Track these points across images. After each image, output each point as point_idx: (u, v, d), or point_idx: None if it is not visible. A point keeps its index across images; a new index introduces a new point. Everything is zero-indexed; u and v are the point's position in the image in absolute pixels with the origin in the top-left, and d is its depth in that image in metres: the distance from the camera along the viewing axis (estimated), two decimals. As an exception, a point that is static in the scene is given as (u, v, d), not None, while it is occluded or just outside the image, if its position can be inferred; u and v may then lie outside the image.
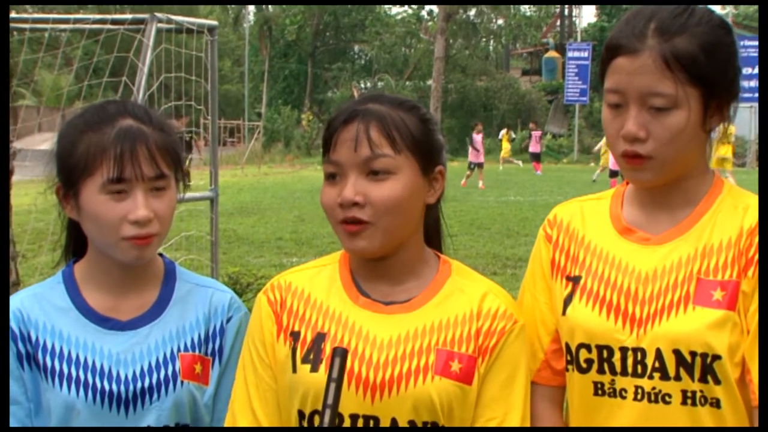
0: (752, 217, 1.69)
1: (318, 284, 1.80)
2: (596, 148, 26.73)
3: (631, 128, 1.64)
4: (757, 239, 1.65)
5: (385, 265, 1.75)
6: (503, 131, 31.72)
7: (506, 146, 31.69)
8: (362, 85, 47.91)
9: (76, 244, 1.91)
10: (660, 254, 1.71)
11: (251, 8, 49.50)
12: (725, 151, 18.26)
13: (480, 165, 23.49)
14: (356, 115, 1.69)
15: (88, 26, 6.03)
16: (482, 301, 1.75)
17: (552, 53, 45.88)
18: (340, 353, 1.57)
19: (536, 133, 31.44)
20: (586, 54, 37.96)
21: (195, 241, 7.27)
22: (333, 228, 1.73)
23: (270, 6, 49.23)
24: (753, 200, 1.73)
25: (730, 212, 1.71)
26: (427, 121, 1.75)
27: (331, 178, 1.71)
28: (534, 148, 31.20)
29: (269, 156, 37.87)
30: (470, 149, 24.04)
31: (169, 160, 1.79)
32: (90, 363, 1.80)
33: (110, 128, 1.76)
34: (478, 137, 24.34)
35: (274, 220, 15.24)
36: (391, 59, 48.56)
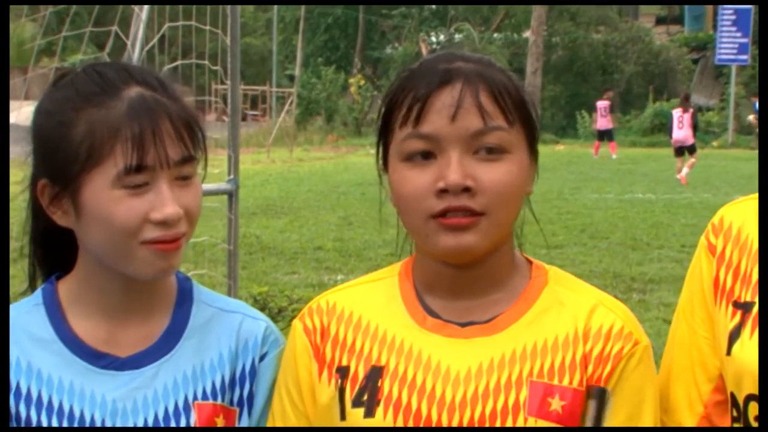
0: None
1: (371, 304, 1.85)
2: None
3: None
4: None
5: (472, 274, 1.79)
6: None
7: None
8: (433, 39, 47.89)
9: (53, 257, 1.95)
10: None
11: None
12: None
13: (690, 149, 23.23)
14: (455, 75, 1.73)
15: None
16: (590, 316, 1.78)
17: (698, -6, 45.36)
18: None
19: (602, 104, 31.07)
20: (746, -6, 37.43)
21: (205, 251, 7.34)
22: (415, 226, 1.75)
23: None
24: None
25: None
26: (521, 86, 1.81)
27: (419, 157, 1.73)
28: (601, 123, 30.89)
29: (305, 135, 38.05)
30: (676, 126, 23.75)
31: (194, 140, 1.83)
32: (77, 413, 1.83)
33: (117, 101, 1.78)
34: (684, 115, 24.01)
35: (311, 224, 15.34)
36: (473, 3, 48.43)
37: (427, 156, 1.72)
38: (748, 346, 1.75)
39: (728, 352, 1.78)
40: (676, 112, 24.12)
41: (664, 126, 37.76)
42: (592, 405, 1.75)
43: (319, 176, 23.94)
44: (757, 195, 1.89)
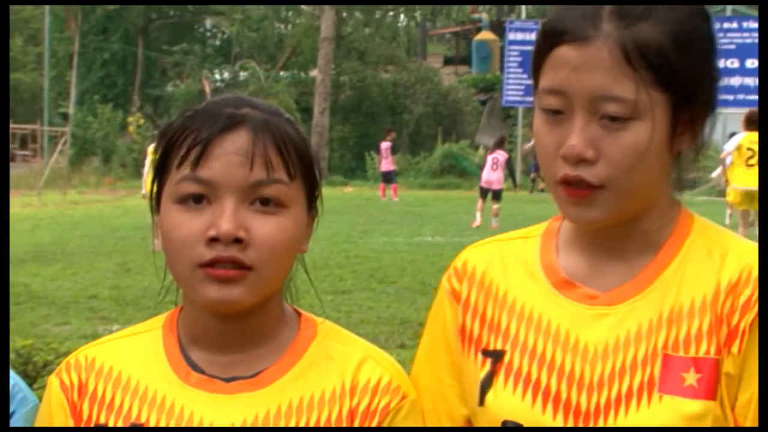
0: (732, 268, 1.71)
1: (132, 359, 1.83)
2: (715, 174, 25.78)
3: (577, 144, 1.67)
4: (742, 300, 1.69)
5: (238, 327, 1.79)
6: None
7: None
8: (217, 76, 47.78)
9: None
10: (612, 320, 1.75)
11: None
12: (752, 179, 15.41)
13: (496, 194, 23.41)
14: (241, 122, 1.73)
15: None
16: (358, 370, 1.80)
17: (485, 35, 46.78)
18: None
19: (385, 145, 31.55)
20: (533, 36, 38.67)
21: (-34, 302, 7.07)
22: (181, 274, 1.74)
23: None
24: (733, 242, 1.76)
25: (703, 260, 1.74)
26: (306, 140, 1.82)
27: (192, 201, 1.72)
28: (384, 165, 31.36)
29: (80, 177, 37.34)
30: (489, 167, 24.01)
31: None
32: None
33: None
34: (499, 158, 24.23)
35: (85, 271, 15.03)
36: (258, 39, 48.61)
37: (201, 201, 1.71)
38: (503, 396, 1.78)
39: (481, 402, 1.80)
40: (492, 155, 24.51)
41: (453, 167, 38.76)
42: None
43: (96, 220, 23.50)
44: (498, 236, 1.96)
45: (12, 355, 7.14)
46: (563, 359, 1.75)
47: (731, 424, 1.69)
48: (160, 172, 1.77)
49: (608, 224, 1.75)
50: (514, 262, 1.87)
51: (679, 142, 1.73)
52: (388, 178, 31.06)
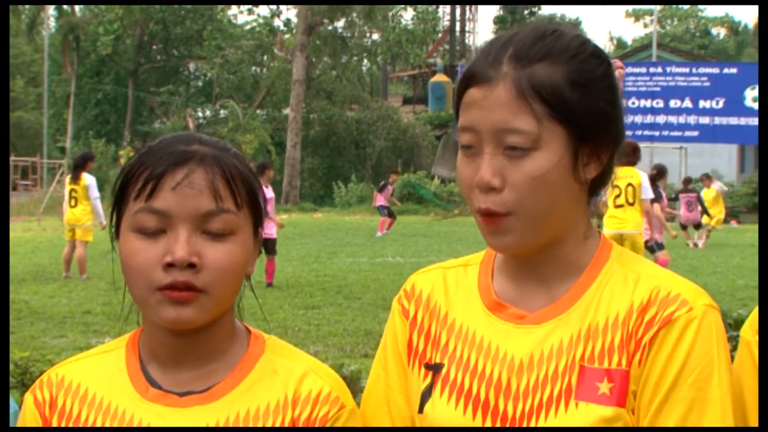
0: (643, 291, 1.73)
1: (98, 376, 1.83)
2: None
3: (485, 174, 1.69)
4: (647, 318, 1.71)
5: (191, 344, 1.79)
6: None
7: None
8: (200, 114, 47.74)
9: None
10: (537, 336, 1.76)
11: (52, 12, 48.74)
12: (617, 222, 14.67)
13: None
14: (191, 157, 1.73)
15: None
16: (300, 383, 1.79)
17: (440, 77, 46.97)
18: None
19: (391, 187, 30.65)
20: (481, 79, 38.90)
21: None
22: (140, 296, 1.74)
23: (77, 8, 48.60)
24: (646, 268, 1.77)
25: (619, 284, 1.76)
26: (253, 172, 1.84)
27: (149, 231, 1.72)
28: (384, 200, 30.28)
29: (76, 204, 37.11)
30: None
31: None
32: None
33: None
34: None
35: (80, 289, 14.93)
36: (236, 81, 48.65)
37: (157, 230, 1.71)
38: (439, 405, 1.78)
39: (420, 410, 1.80)
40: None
41: (411, 195, 38.84)
42: None
43: (90, 243, 23.30)
44: (441, 264, 1.96)
45: (12, 366, 7.05)
46: (492, 370, 1.76)
47: (634, 425, 1.70)
48: (119, 204, 1.77)
49: (528, 250, 1.76)
50: (455, 287, 1.88)
51: (585, 171, 1.74)
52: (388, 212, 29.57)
